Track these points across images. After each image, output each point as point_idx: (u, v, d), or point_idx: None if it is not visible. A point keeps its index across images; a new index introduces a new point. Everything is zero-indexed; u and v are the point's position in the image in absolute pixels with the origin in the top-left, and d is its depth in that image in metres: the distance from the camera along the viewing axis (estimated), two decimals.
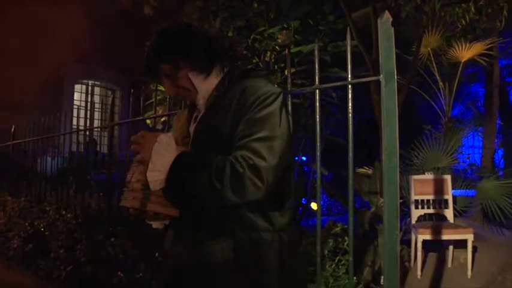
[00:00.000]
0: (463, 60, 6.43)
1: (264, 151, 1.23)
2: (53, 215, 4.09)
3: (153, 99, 3.44)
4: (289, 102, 2.04)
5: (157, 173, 1.23)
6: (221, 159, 1.23)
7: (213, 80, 1.42)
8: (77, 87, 10.97)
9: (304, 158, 5.60)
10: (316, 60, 1.96)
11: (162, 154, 1.24)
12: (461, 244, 4.07)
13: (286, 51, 1.98)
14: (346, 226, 3.20)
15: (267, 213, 1.33)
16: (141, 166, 1.26)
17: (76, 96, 10.84)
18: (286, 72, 3.36)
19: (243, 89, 1.33)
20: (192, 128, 1.45)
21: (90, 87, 11.27)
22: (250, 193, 1.21)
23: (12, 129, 5.52)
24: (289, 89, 2.11)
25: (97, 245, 3.34)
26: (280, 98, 1.34)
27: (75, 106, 9.72)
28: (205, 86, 1.42)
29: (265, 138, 1.24)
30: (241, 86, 1.35)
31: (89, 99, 10.62)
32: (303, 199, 4.83)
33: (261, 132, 1.25)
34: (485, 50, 6.12)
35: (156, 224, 1.40)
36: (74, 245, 3.56)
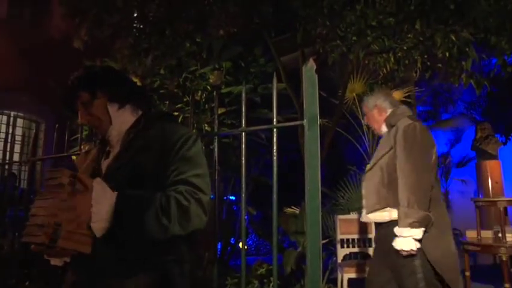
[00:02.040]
0: None
1: (203, 186, 1.33)
2: None
3: (79, 135, 3.33)
4: (216, 143, 2.07)
5: (103, 221, 1.22)
6: (163, 195, 1.27)
7: (128, 117, 1.49)
8: None
9: (232, 198, 5.61)
10: (243, 102, 2.01)
11: (102, 202, 1.23)
12: None
13: (215, 93, 2.02)
14: (271, 266, 3.21)
15: (188, 246, 1.41)
16: (52, 201, 1.20)
17: None
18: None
19: (162, 130, 1.42)
20: (104, 163, 1.46)
21: (12, 118, 10.65)
22: (195, 225, 1.29)
23: None
24: (216, 130, 2.13)
25: None
26: (199, 139, 1.46)
27: None
28: (120, 119, 1.48)
29: (202, 175, 1.35)
30: (159, 128, 1.44)
31: (10, 131, 10.02)
32: (232, 238, 4.81)
33: (196, 169, 1.34)
34: (404, 97, 6.57)
35: (55, 261, 1.35)
36: None
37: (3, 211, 4.06)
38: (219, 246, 4.37)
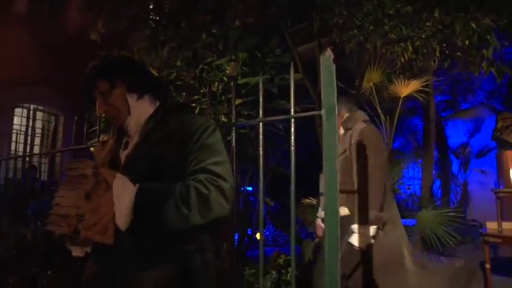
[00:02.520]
0: (402, 96, 6.76)
1: (223, 173, 1.33)
2: None
3: (97, 127, 3.36)
4: (233, 134, 2.07)
5: (124, 216, 1.23)
6: (182, 185, 1.27)
7: (147, 108, 1.49)
8: (18, 111, 10.50)
9: (249, 189, 5.61)
10: (261, 93, 2.00)
11: (123, 197, 1.24)
12: None
13: (232, 84, 2.01)
14: (289, 257, 3.22)
15: (210, 235, 1.43)
16: (75, 192, 1.22)
17: (16, 120, 10.37)
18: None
19: (181, 121, 1.42)
20: (123, 154, 1.46)
21: (31, 112, 10.83)
22: (216, 213, 1.29)
23: None
24: (233, 121, 2.13)
25: (31, 279, 3.16)
26: (217, 128, 1.46)
27: (14, 131, 9.29)
28: (138, 110, 1.48)
29: (221, 163, 1.35)
30: (178, 119, 1.44)
31: (30, 124, 10.19)
32: (249, 229, 4.83)
33: (215, 157, 1.34)
34: (422, 87, 6.48)
35: (76, 251, 1.35)
36: (4, 279, 3.34)
37: (25, 202, 4.15)
38: (236, 237, 4.40)
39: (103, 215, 1.22)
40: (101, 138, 3.35)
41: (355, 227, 2.66)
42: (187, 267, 1.34)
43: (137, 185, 1.26)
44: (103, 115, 1.53)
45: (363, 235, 2.64)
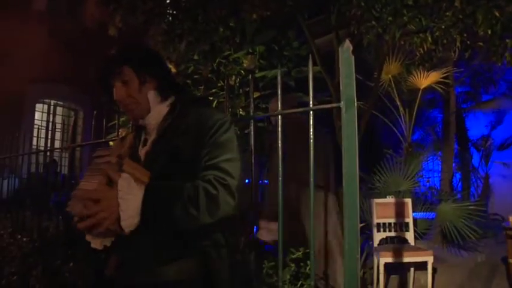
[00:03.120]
0: (421, 87, 6.68)
1: (232, 170, 1.32)
2: (6, 239, 3.92)
3: (116, 121, 3.39)
4: (252, 127, 2.06)
5: (131, 218, 1.23)
6: (190, 185, 1.27)
7: (166, 105, 1.46)
8: (39, 106, 10.68)
9: (267, 182, 5.60)
10: (279, 85, 2.00)
11: (129, 199, 1.23)
12: (421, 266, 4.15)
13: (250, 77, 2.01)
14: (308, 250, 3.21)
15: (222, 231, 1.42)
16: (99, 177, 1.23)
17: (37, 115, 10.54)
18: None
19: (198, 115, 1.41)
20: (142, 151, 1.46)
21: (52, 107, 11.00)
22: (224, 211, 1.29)
23: None
24: (251, 113, 2.13)
25: (54, 271, 3.22)
26: (233, 124, 1.45)
27: (35, 126, 9.44)
28: (158, 108, 1.46)
29: (232, 159, 1.34)
30: (195, 113, 1.43)
31: (51, 119, 10.35)
32: None
33: (227, 154, 1.34)
34: (442, 78, 6.38)
35: (96, 244, 1.36)
36: (28, 270, 3.41)
37: (47, 196, 4.22)
38: (255, 230, 4.42)
39: (110, 212, 1.22)
40: (120, 133, 3.39)
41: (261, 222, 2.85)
42: (206, 261, 1.35)
43: (144, 188, 1.25)
44: (120, 105, 1.46)
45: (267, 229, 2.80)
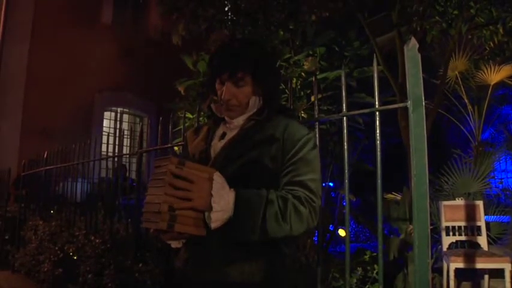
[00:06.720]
0: (492, 83, 6.33)
1: (318, 191, 1.37)
2: (82, 240, 4.15)
3: (181, 126, 3.49)
4: (317, 130, 2.05)
5: (221, 212, 1.26)
6: (280, 197, 1.30)
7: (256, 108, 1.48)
8: (106, 114, 11.22)
9: (331, 184, 5.55)
10: (343, 87, 1.97)
11: (222, 195, 1.26)
12: (497, 273, 3.92)
13: (313, 79, 2.00)
14: (375, 254, 3.14)
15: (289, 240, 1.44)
16: (164, 188, 1.26)
17: (105, 123, 11.08)
18: (312, 98, 3.37)
19: (283, 126, 1.41)
20: (218, 144, 1.47)
21: (119, 114, 11.52)
22: (305, 228, 1.33)
23: (45, 155, 5.65)
24: (316, 116, 2.11)
25: (125, 271, 3.36)
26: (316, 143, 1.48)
27: (104, 133, 9.92)
28: (251, 111, 1.47)
29: (317, 180, 1.38)
30: (281, 121, 1.44)
31: (118, 126, 10.85)
32: (330, 225, 4.78)
33: (313, 173, 1.37)
34: None
35: (175, 244, 1.41)
36: (101, 270, 3.59)
37: (117, 199, 4.42)
38: (316, 233, 4.39)
39: (195, 200, 1.24)
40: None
41: None
42: (268, 264, 1.35)
43: (235, 191, 1.28)
44: (221, 102, 1.44)
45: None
